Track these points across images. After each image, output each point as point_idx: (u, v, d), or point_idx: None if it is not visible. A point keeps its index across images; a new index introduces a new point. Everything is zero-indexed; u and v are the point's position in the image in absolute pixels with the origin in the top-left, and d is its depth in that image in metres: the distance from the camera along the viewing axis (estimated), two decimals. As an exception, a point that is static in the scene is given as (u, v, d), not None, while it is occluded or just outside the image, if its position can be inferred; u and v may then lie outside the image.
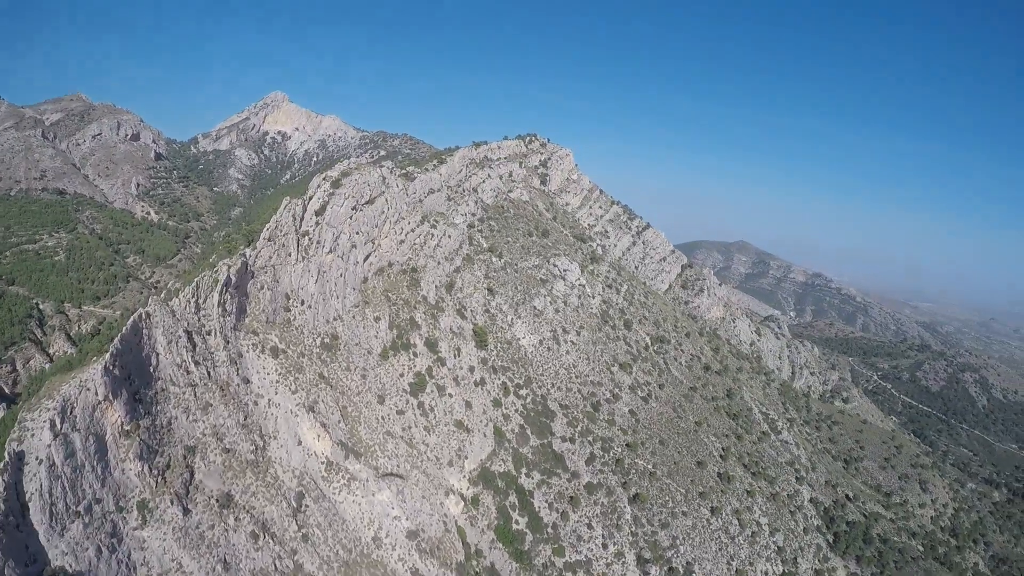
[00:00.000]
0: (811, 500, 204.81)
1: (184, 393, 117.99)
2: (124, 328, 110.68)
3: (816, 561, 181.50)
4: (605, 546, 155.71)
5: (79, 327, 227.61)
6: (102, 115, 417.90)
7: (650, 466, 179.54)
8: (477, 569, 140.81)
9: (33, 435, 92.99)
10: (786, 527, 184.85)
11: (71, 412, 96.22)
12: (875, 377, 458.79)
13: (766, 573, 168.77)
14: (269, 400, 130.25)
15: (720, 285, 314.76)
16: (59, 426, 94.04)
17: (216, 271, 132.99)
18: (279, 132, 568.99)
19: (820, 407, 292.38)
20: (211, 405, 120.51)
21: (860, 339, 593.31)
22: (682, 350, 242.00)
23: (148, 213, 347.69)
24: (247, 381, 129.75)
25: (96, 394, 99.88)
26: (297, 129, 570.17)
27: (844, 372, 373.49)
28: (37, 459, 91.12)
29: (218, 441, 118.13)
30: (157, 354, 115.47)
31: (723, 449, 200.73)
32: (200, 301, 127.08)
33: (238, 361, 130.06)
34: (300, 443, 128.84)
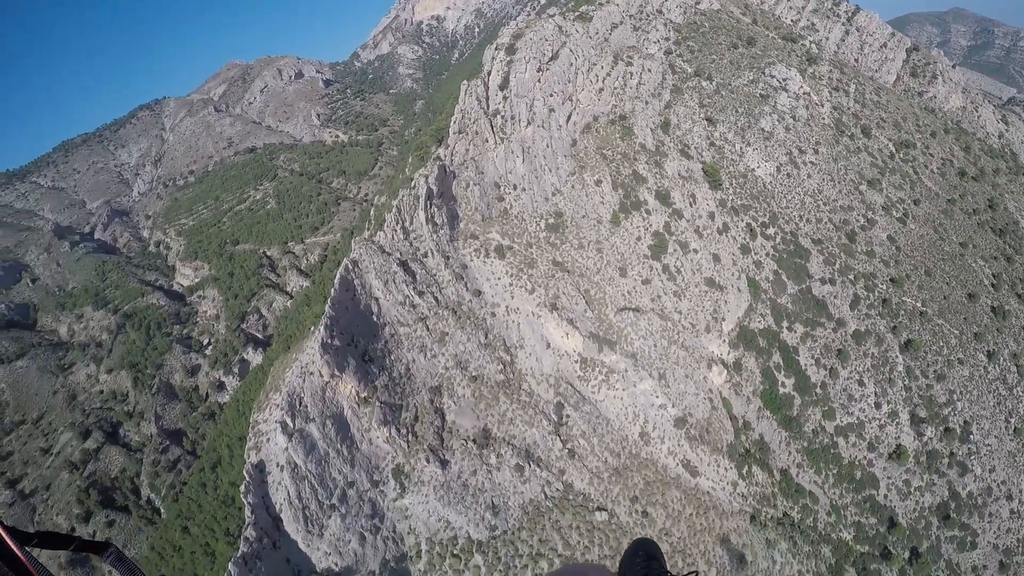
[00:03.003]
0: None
1: (415, 331, 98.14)
2: (332, 289, 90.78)
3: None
4: (878, 405, 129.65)
5: (307, 259, 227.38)
6: (261, 69, 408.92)
7: (919, 303, 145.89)
8: (747, 444, 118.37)
9: (268, 439, 77.10)
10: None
11: (300, 404, 79.61)
12: None
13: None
14: (507, 307, 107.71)
15: (954, 67, 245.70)
16: (291, 424, 77.91)
17: (414, 186, 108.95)
18: (432, 17, 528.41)
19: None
20: (447, 334, 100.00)
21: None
22: (931, 154, 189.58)
23: (337, 136, 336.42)
24: (478, 293, 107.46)
25: (321, 376, 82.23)
26: (449, 8, 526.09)
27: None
28: (278, 465, 76.12)
29: (462, 371, 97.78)
30: (376, 300, 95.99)
31: (993, 275, 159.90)
32: (407, 224, 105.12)
33: (464, 274, 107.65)
34: (549, 346, 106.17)
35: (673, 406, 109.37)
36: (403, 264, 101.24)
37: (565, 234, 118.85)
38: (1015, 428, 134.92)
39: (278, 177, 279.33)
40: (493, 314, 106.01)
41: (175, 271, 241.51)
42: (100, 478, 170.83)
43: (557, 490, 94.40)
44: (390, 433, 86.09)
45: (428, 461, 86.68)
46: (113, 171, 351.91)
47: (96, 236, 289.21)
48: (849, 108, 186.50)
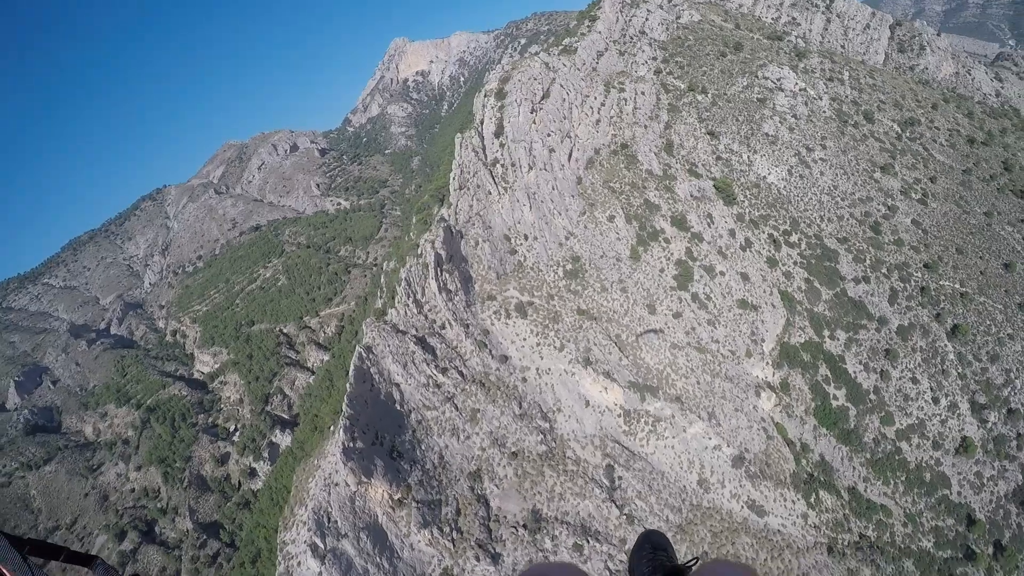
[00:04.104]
0: None
1: (444, 413, 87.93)
2: (347, 384, 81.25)
3: None
4: (936, 400, 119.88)
5: (324, 332, 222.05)
6: (257, 146, 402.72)
7: (957, 284, 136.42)
8: (809, 469, 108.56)
9: (299, 563, 67.43)
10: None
11: (328, 520, 69.95)
12: None
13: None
14: (537, 369, 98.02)
15: (939, 35, 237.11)
16: (322, 545, 68.30)
17: (420, 253, 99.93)
18: (417, 72, 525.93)
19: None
20: (478, 410, 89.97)
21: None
22: (936, 128, 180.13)
23: (339, 204, 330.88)
24: (505, 359, 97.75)
25: (347, 485, 72.21)
26: (432, 61, 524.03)
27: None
28: (313, 591, 65.28)
29: (500, 449, 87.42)
30: (397, 385, 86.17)
31: None
32: (418, 296, 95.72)
33: (487, 340, 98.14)
34: (588, 403, 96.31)
35: (728, 445, 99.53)
36: (420, 341, 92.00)
37: (586, 278, 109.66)
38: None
39: (285, 252, 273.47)
40: (524, 379, 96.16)
41: (194, 359, 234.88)
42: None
43: (621, 562, 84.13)
44: (432, 534, 76.06)
45: (478, 559, 76.55)
46: (122, 264, 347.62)
47: (112, 331, 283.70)
48: (847, 96, 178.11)
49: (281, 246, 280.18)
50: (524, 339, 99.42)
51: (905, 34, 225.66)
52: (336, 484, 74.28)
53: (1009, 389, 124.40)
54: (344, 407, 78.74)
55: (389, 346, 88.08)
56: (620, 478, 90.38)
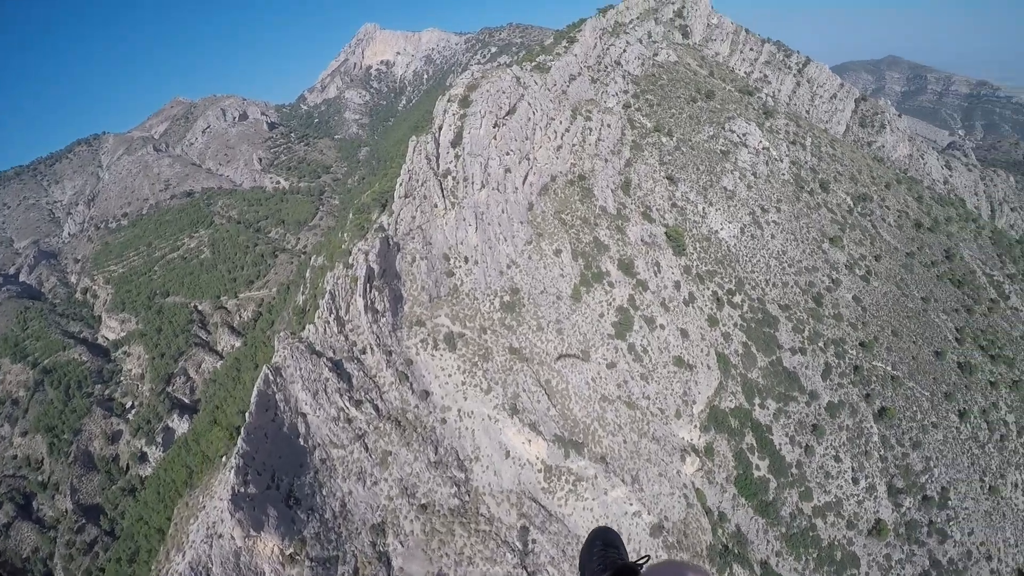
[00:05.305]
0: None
1: (352, 453, 76.19)
2: (248, 416, 69.32)
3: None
4: (855, 480, 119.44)
5: (240, 316, 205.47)
6: (205, 108, 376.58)
7: (889, 367, 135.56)
8: (724, 539, 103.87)
9: None
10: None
11: None
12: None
13: (1016, 484, 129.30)
14: (459, 411, 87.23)
15: (900, 117, 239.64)
16: None
17: (351, 263, 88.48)
18: (382, 62, 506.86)
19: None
20: (390, 452, 78.48)
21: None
22: (887, 207, 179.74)
23: (278, 183, 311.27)
24: (426, 395, 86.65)
25: (233, 539, 60.83)
26: (399, 53, 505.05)
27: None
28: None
29: (409, 500, 76.28)
30: (304, 416, 74.38)
31: (956, 329, 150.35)
32: (341, 313, 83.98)
33: (409, 372, 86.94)
34: (508, 454, 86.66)
35: (648, 512, 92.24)
36: (336, 366, 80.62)
37: (522, 313, 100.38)
38: (989, 487, 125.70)
39: (214, 224, 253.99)
40: (443, 420, 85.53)
41: (101, 323, 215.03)
42: (11, 557, 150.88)
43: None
44: (323, 599, 65.19)
45: (372, 631, 65.99)
46: (44, 208, 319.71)
47: (21, 279, 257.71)
48: (807, 162, 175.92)
49: (211, 217, 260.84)
50: (449, 376, 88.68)
51: (868, 110, 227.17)
52: (220, 535, 61.96)
53: (927, 476, 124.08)
54: (240, 442, 65.85)
55: (301, 370, 76.39)
56: (534, 541, 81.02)
